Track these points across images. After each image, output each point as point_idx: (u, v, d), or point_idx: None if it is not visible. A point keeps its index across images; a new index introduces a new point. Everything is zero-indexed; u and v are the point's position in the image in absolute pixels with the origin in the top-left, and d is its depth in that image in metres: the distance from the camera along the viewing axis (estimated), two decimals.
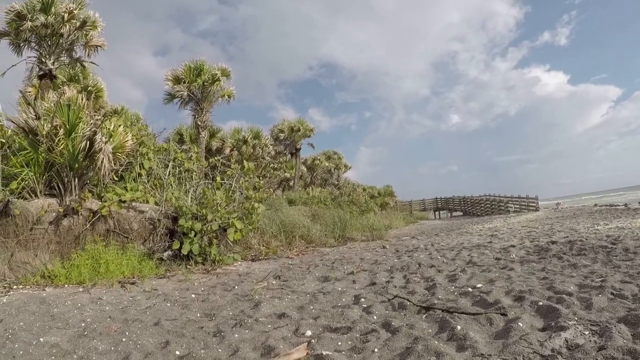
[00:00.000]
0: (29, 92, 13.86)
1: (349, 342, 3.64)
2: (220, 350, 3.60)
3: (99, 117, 9.51)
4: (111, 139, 8.67)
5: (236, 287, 6.52)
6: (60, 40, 14.58)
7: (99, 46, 15.84)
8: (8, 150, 8.35)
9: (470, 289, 5.23)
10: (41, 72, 14.37)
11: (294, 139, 27.64)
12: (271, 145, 27.79)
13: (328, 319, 4.41)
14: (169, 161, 11.10)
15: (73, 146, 8.07)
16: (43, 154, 8.09)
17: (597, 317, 3.66)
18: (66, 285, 6.70)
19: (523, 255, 7.89)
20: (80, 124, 8.35)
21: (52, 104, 8.92)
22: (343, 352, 3.42)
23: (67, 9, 14.04)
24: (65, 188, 8.14)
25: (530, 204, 30.33)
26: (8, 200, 7.18)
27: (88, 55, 15.87)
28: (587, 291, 4.63)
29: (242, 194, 11.11)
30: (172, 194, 9.70)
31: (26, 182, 7.95)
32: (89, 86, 17.50)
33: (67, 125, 8.17)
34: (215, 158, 13.48)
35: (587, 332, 3.32)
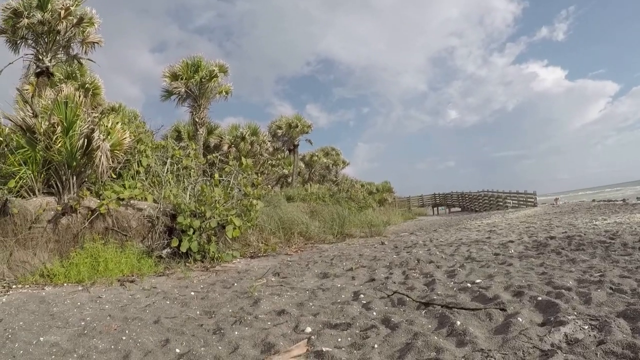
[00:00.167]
0: (26, 89, 13.78)
1: (349, 338, 3.65)
2: (220, 348, 3.60)
3: (96, 115, 9.48)
4: (109, 137, 8.65)
5: (235, 284, 6.52)
6: (57, 37, 14.52)
7: (96, 43, 15.74)
8: (6, 149, 8.32)
9: (469, 285, 5.24)
10: (38, 70, 14.30)
11: (291, 135, 27.63)
12: (269, 141, 27.77)
13: (328, 315, 4.41)
14: (167, 158, 11.08)
15: (71, 144, 8.04)
16: (41, 152, 8.06)
17: (597, 312, 3.68)
18: (65, 284, 6.69)
19: (522, 251, 7.90)
20: (78, 121, 8.31)
21: (49, 102, 8.87)
22: (343, 348, 3.42)
23: (63, 5, 13.97)
24: (63, 186, 8.11)
25: (529, 200, 30.37)
26: (6, 199, 7.16)
27: (85, 52, 15.76)
28: (586, 286, 4.64)
29: (240, 190, 11.10)
30: (171, 191, 9.69)
31: (24, 181, 7.91)
32: (86, 83, 17.43)
33: (64, 123, 8.13)
34: (213, 155, 13.45)
35: (586, 327, 3.32)
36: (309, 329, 3.94)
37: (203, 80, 18.56)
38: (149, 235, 8.74)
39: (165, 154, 11.24)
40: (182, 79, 18.53)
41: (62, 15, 13.96)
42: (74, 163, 8.14)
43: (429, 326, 3.80)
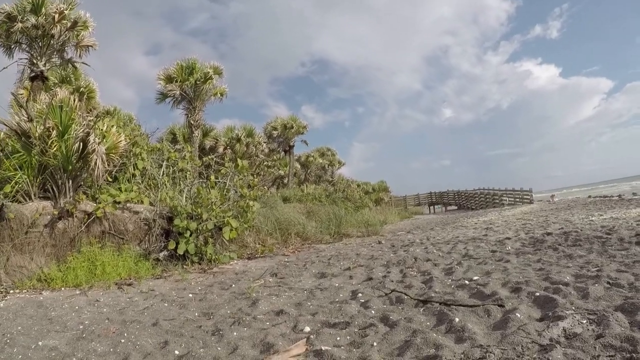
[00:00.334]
0: (21, 94, 13.77)
1: (348, 337, 3.65)
2: (219, 349, 3.60)
3: (91, 118, 9.44)
4: (104, 140, 8.63)
5: (233, 285, 6.51)
6: (51, 41, 14.46)
7: (90, 46, 15.73)
8: (1, 154, 8.28)
9: (467, 282, 5.25)
10: (33, 74, 14.25)
11: (287, 136, 27.63)
12: (265, 143, 27.77)
13: (326, 314, 4.41)
14: (163, 161, 11.05)
15: (66, 148, 8.01)
16: (36, 157, 8.02)
17: (594, 306, 3.69)
18: (63, 288, 6.66)
19: (519, 247, 7.93)
20: (73, 125, 8.28)
21: (44, 106, 8.85)
22: (342, 347, 3.43)
23: (57, 9, 13.92)
24: (59, 190, 8.08)
25: (525, 197, 30.44)
26: (2, 204, 7.12)
27: (79, 55, 15.75)
28: (584, 281, 4.66)
29: (236, 192, 11.08)
30: (167, 193, 9.67)
31: (20, 185, 7.87)
32: (81, 87, 17.45)
33: (59, 127, 8.10)
34: (209, 157, 13.46)
35: (584, 321, 3.34)
36: (307, 329, 3.94)
37: (198, 82, 18.59)
38: (146, 238, 8.71)
39: (161, 157, 11.21)
40: (176, 81, 18.54)
41: (56, 19, 13.92)
42: (70, 167, 8.11)
43: (428, 323, 3.81)
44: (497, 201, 32.41)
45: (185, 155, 12.08)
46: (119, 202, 8.54)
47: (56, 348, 3.78)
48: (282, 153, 29.47)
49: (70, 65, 16.18)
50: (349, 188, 26.87)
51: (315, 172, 37.04)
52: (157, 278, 7.48)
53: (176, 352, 3.61)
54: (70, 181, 8.23)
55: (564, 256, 6.49)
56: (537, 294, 4.22)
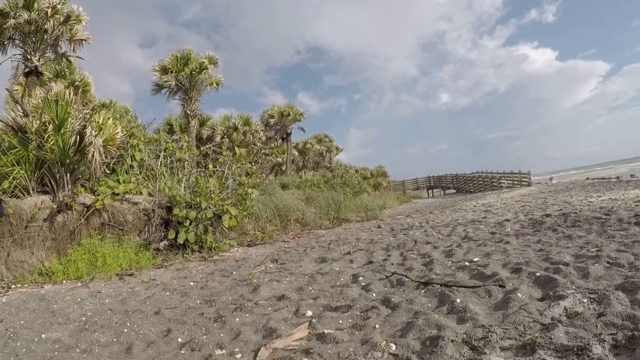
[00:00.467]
0: (16, 90, 13.63)
1: (350, 320, 3.66)
2: (222, 335, 3.61)
3: (87, 111, 9.38)
4: (101, 132, 8.57)
5: (234, 272, 6.52)
6: (45, 36, 14.39)
7: (84, 40, 15.68)
8: None
9: (467, 263, 5.27)
10: (27, 70, 14.20)
11: (284, 123, 27.60)
12: (262, 131, 27.75)
13: (327, 298, 4.42)
14: (160, 151, 11.01)
15: (63, 141, 7.96)
16: (33, 151, 7.98)
17: (595, 286, 3.71)
18: (64, 281, 6.67)
19: (518, 229, 7.94)
20: (69, 118, 8.23)
21: (39, 101, 8.78)
22: (345, 330, 3.44)
23: (50, 4, 13.80)
24: (57, 184, 8.05)
25: (523, 179, 30.42)
26: (0, 200, 7.11)
27: (73, 49, 15.71)
28: (584, 261, 4.68)
29: (235, 180, 11.06)
30: (165, 184, 9.64)
31: (18, 181, 7.84)
32: (76, 81, 17.31)
33: (55, 121, 8.05)
34: (207, 146, 13.39)
35: (585, 300, 3.35)
36: (309, 313, 3.95)
37: (193, 72, 18.55)
38: (146, 228, 8.71)
39: (158, 148, 11.16)
40: (172, 72, 18.48)
41: (49, 14, 13.82)
42: (67, 160, 8.07)
43: (429, 305, 3.82)
44: (496, 184, 32.42)
45: (182, 145, 12.01)
46: (118, 194, 8.52)
47: (59, 340, 3.78)
48: (280, 140, 29.44)
49: (64, 59, 16.15)
50: (347, 174, 26.90)
51: (313, 158, 37.01)
52: (158, 267, 7.48)
53: (179, 339, 3.62)
54: (68, 174, 8.20)
55: (563, 237, 6.51)
56: (538, 274, 4.24)
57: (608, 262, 4.48)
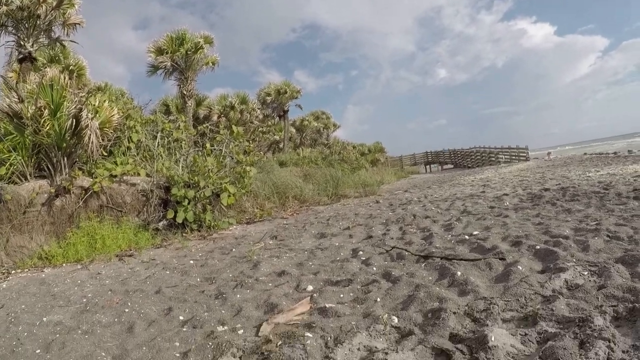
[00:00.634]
0: (11, 77, 13.47)
1: (351, 294, 3.67)
2: (223, 312, 3.61)
3: (83, 94, 9.27)
4: (97, 115, 8.48)
5: (234, 249, 6.53)
6: (38, 22, 14.13)
7: (78, 24, 15.43)
8: None
9: (467, 237, 5.27)
10: (21, 56, 14.00)
11: (281, 101, 27.38)
12: (259, 109, 27.57)
13: (328, 273, 4.43)
14: (157, 132, 10.93)
15: (59, 125, 7.89)
16: (30, 137, 7.92)
17: (595, 258, 3.71)
18: (64, 264, 6.65)
19: (517, 203, 7.95)
20: (65, 102, 8.15)
21: (34, 86, 8.68)
22: (346, 304, 3.44)
23: None
24: (55, 168, 8.00)
25: (521, 154, 30.44)
26: None
27: (67, 34, 15.46)
28: (583, 234, 4.68)
29: (232, 158, 11.02)
30: (163, 164, 9.60)
31: (15, 167, 7.80)
32: (71, 65, 17.15)
33: (51, 106, 7.97)
34: (204, 125, 13.31)
35: (586, 273, 3.36)
36: (310, 288, 3.96)
37: (189, 52, 18.44)
38: (144, 209, 8.69)
39: (155, 128, 11.07)
40: (167, 52, 18.33)
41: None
42: (64, 144, 8.01)
43: (430, 278, 3.83)
44: (493, 159, 32.46)
45: (179, 125, 11.93)
46: (116, 176, 8.48)
47: (61, 322, 3.78)
48: (277, 118, 29.26)
49: (58, 44, 15.92)
50: (344, 150, 26.81)
51: (311, 135, 36.85)
52: (158, 247, 7.49)
53: (180, 317, 3.62)
54: (65, 158, 8.14)
55: (562, 211, 6.51)
56: (538, 247, 4.24)
57: (608, 236, 4.48)
